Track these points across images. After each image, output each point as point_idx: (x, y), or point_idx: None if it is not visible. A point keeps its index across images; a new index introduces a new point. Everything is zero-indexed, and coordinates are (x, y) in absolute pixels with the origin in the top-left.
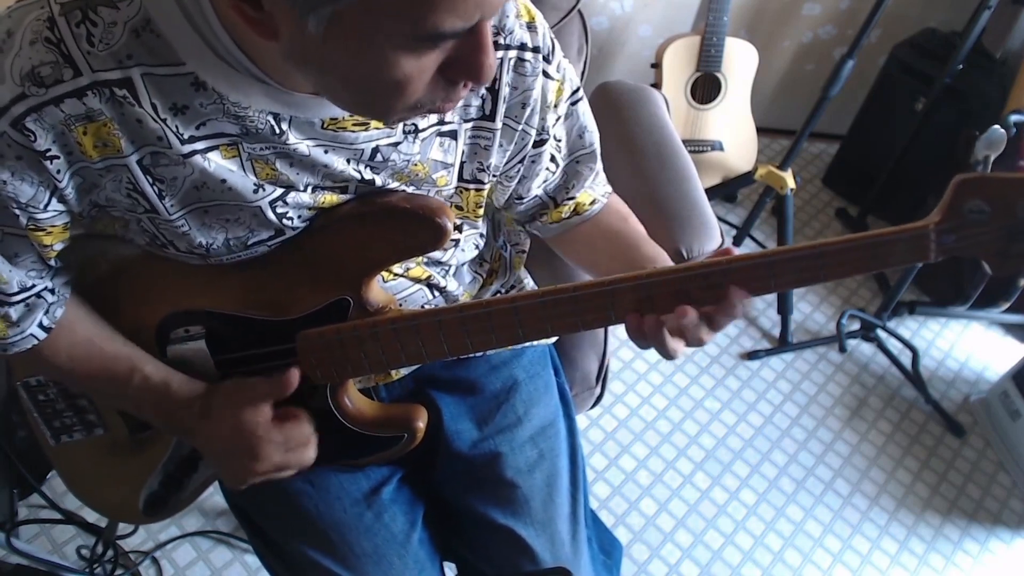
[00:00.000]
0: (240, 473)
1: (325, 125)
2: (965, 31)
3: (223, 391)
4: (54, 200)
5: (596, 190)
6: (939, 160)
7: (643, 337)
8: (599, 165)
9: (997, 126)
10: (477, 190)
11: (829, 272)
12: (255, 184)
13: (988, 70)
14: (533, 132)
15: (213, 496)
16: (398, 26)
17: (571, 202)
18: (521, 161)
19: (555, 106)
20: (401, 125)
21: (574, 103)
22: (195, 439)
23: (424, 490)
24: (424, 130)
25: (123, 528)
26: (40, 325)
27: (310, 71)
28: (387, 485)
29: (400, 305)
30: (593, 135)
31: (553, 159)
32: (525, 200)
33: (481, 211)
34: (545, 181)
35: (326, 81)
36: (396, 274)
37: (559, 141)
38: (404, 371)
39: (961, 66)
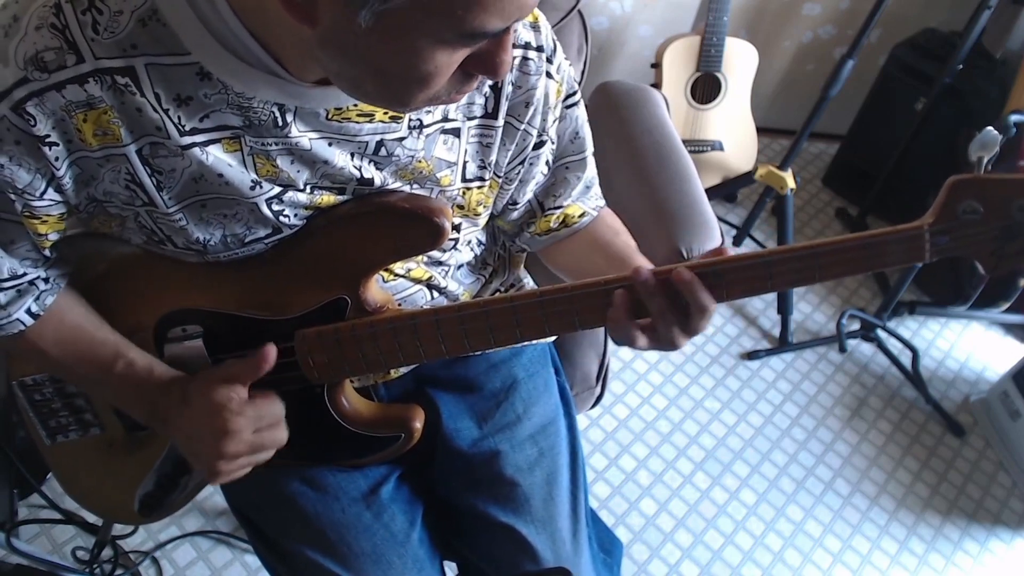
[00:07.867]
0: (212, 456)
1: (330, 116)
2: (965, 31)
3: (199, 375)
4: (50, 189)
5: (587, 203)
6: (939, 160)
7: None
8: (588, 175)
9: (990, 128)
10: (479, 187)
11: (825, 272)
12: (253, 181)
13: (988, 70)
14: (535, 133)
15: (213, 496)
16: (446, 24)
17: (559, 212)
18: (522, 163)
19: (554, 107)
20: (406, 121)
21: (568, 106)
22: (170, 427)
23: (423, 489)
24: (429, 126)
25: (123, 528)
26: (28, 311)
27: (341, 60)
28: (385, 484)
29: (399, 305)
30: (585, 142)
31: (548, 162)
32: (519, 205)
33: (482, 209)
34: (536, 183)
35: (355, 71)
36: (397, 275)
37: (553, 144)
38: (403, 369)
39: (961, 66)
